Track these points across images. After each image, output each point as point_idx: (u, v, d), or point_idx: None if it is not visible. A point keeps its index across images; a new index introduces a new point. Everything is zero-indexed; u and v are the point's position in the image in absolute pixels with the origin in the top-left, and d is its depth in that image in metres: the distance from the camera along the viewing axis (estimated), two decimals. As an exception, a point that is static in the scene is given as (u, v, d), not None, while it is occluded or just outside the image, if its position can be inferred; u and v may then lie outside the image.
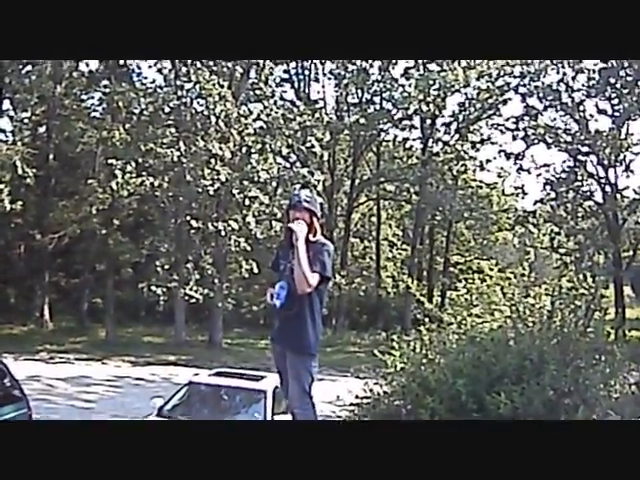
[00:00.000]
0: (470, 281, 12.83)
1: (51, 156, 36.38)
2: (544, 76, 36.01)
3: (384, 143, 45.05)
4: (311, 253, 5.77)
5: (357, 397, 8.99)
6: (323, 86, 40.55)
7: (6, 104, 36.11)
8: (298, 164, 36.49)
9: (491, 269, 42.26)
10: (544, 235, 41.46)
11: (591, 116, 35.93)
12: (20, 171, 31.59)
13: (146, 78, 34.40)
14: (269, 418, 11.27)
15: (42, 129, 38.52)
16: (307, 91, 41.22)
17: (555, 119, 36.94)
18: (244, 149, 31.15)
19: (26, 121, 38.87)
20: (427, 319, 11.18)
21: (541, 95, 36.13)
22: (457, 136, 42.04)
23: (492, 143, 41.21)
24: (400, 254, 49.84)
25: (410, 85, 37.68)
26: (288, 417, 6.47)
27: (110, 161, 29.95)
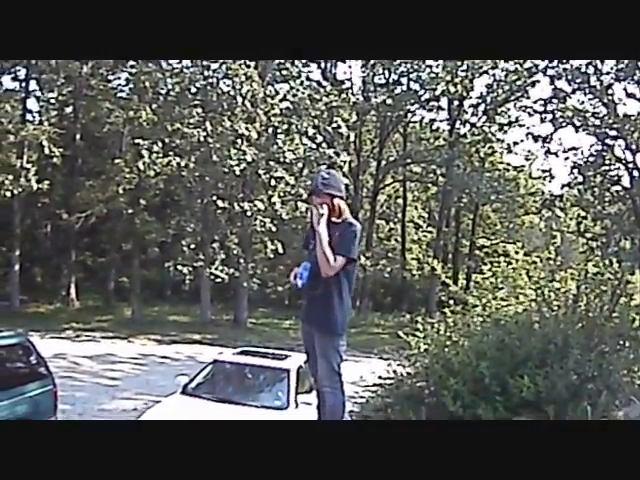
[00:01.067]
0: (496, 264, 12.77)
1: (78, 136, 36.59)
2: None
3: (411, 124, 44.93)
4: (336, 234, 5.76)
5: (380, 378, 8.98)
6: (350, 66, 40.24)
7: (33, 85, 36.45)
8: (324, 145, 36.35)
9: (517, 252, 41.87)
10: (571, 219, 41.16)
11: (620, 100, 35.42)
12: (47, 151, 31.91)
13: (173, 58, 34.29)
14: (292, 397, 11.35)
15: (69, 109, 38.73)
16: (334, 71, 41.03)
17: (583, 102, 36.48)
18: (270, 129, 31.21)
19: (53, 101, 39.15)
20: (452, 301, 11.16)
21: (570, 78, 35.63)
22: (485, 118, 41.81)
23: (520, 125, 40.93)
24: (425, 236, 49.80)
25: (437, 66, 37.49)
26: (312, 396, 6.48)
27: (137, 141, 30.15)
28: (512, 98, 40.34)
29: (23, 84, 35.35)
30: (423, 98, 39.66)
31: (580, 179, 37.22)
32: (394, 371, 8.73)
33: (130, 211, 33.87)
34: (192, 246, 31.13)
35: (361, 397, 9.14)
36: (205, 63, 30.74)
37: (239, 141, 29.62)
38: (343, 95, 35.01)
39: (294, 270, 6.12)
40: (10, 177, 30.95)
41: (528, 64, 37.87)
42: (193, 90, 31.75)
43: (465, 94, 39.87)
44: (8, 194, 30.91)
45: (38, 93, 37.77)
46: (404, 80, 39.78)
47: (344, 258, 5.76)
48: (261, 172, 30.28)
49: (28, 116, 36.02)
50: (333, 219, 5.84)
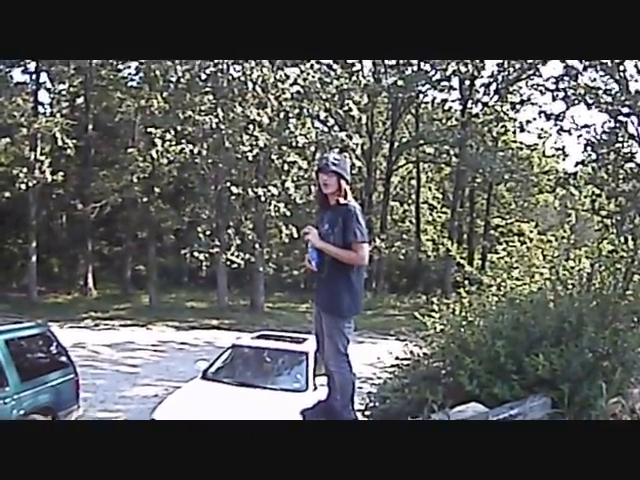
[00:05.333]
0: (510, 244, 12.78)
1: (90, 126, 36.72)
2: (584, 35, 35.17)
3: (423, 105, 44.77)
4: (339, 219, 5.87)
5: (397, 358, 9.04)
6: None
7: (43, 77, 36.48)
8: (336, 128, 36.43)
9: (531, 232, 41.88)
10: (585, 197, 41.00)
11: (631, 76, 35.20)
12: (60, 142, 32.17)
13: (183, 45, 34.09)
14: (311, 380, 11.41)
15: (80, 100, 38.85)
16: (344, 55, 40.79)
17: (595, 79, 36.24)
18: (282, 114, 31.19)
19: (64, 93, 39.24)
20: (467, 282, 11.20)
21: (581, 54, 35.38)
22: (496, 97, 41.51)
23: (532, 104, 40.64)
24: (440, 217, 49.75)
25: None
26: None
27: (149, 130, 30.22)
28: (524, 76, 40.10)
29: (33, 77, 35.34)
30: (434, 78, 39.47)
31: (594, 157, 37.05)
32: (411, 352, 8.79)
33: (145, 199, 34.06)
34: (207, 232, 31.27)
35: (379, 378, 9.21)
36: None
37: (251, 127, 29.65)
38: (354, 77, 35.03)
39: (306, 255, 6.20)
40: (24, 170, 31.25)
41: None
42: (203, 77, 31.73)
43: (476, 73, 39.66)
44: (23, 187, 31.18)
45: (49, 85, 37.82)
46: (414, 61, 39.60)
47: (364, 243, 5.87)
48: (274, 157, 30.39)
49: (40, 108, 36.22)
50: (340, 200, 5.94)
